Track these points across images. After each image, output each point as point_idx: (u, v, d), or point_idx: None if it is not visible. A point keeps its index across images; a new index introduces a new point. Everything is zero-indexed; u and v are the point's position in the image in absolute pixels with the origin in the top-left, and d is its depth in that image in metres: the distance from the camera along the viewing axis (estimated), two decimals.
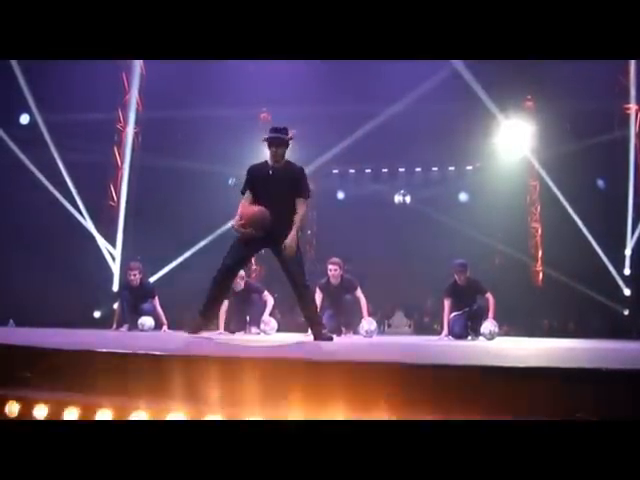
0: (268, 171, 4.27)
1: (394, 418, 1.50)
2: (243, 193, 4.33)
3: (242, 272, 6.33)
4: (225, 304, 6.42)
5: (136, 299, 6.76)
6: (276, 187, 4.19)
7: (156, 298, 6.82)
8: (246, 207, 4.15)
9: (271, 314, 6.86)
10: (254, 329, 6.69)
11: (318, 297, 6.37)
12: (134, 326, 6.54)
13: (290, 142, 4.30)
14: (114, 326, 6.86)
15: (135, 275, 6.74)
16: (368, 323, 6.36)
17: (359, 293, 6.67)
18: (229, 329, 6.60)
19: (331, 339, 4.24)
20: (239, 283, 6.55)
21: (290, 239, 4.07)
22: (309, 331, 4.58)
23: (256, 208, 4.09)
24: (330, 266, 6.60)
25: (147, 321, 6.57)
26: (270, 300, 6.72)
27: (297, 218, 4.14)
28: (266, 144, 4.28)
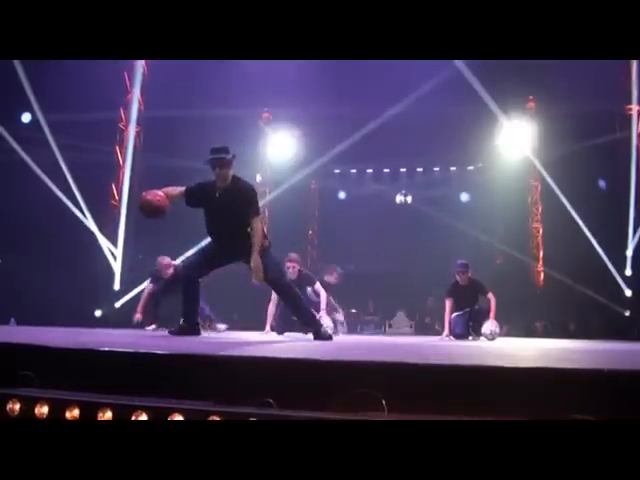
0: (215, 194, 4.14)
1: (394, 418, 1.50)
2: (186, 189, 4.21)
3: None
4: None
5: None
6: (225, 209, 4.11)
7: None
8: (150, 193, 4.02)
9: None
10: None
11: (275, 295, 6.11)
12: None
13: (232, 160, 4.12)
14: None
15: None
16: (327, 320, 6.11)
17: (318, 287, 6.54)
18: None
19: (331, 338, 4.25)
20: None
21: (254, 264, 4.00)
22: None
23: (149, 197, 3.98)
24: (288, 263, 6.36)
25: None
26: (323, 292, 6.52)
27: (255, 239, 4.03)
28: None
